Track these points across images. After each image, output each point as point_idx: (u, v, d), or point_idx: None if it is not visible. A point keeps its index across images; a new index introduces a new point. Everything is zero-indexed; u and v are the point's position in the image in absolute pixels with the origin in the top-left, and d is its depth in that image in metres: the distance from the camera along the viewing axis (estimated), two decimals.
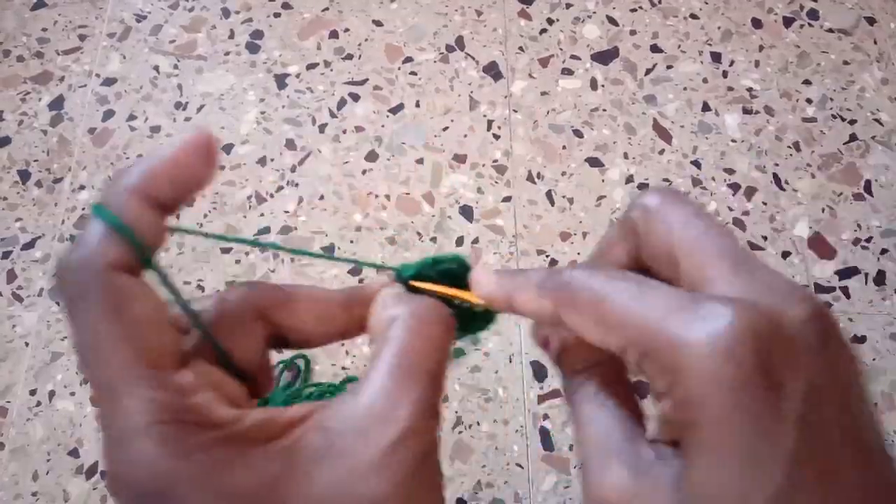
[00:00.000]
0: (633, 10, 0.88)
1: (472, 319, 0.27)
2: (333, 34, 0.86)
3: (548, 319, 0.22)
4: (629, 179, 0.77)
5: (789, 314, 0.17)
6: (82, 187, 0.77)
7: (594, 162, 0.78)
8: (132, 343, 0.18)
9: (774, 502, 0.16)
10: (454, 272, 0.26)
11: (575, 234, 0.75)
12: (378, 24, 0.87)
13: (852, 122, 0.81)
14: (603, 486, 0.20)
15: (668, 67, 0.84)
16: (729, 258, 0.20)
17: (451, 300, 0.25)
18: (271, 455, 0.18)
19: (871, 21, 0.87)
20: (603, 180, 0.77)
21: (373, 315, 0.24)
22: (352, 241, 0.74)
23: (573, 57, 0.85)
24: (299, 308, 0.23)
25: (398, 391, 0.20)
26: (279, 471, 0.18)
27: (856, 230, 0.75)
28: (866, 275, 0.73)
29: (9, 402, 0.67)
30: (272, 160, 0.79)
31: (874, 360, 0.69)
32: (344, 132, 0.80)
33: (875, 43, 0.85)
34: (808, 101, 0.82)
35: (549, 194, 0.77)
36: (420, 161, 0.78)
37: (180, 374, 0.19)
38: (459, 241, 0.74)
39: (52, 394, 0.68)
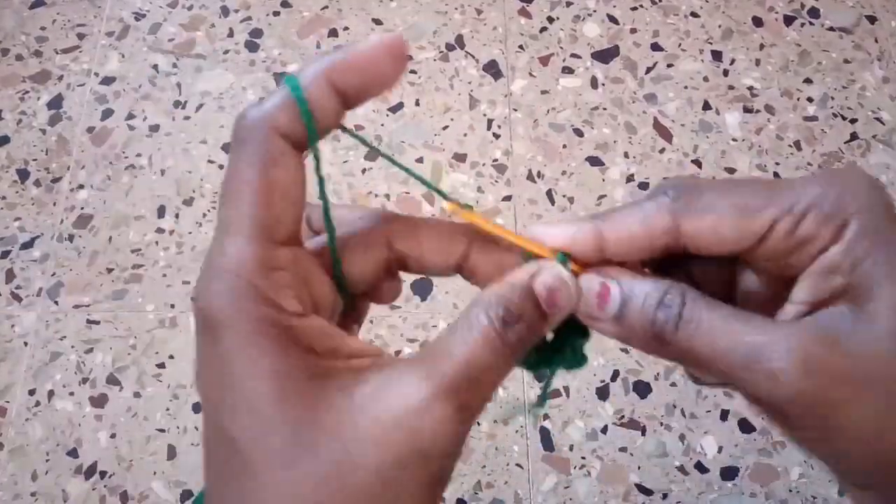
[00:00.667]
0: (634, 9, 0.87)
1: (565, 341, 0.24)
2: (333, 33, 0.86)
3: (646, 248, 0.23)
4: (630, 178, 0.77)
5: None
6: (81, 186, 0.77)
7: (595, 161, 0.78)
8: (259, 198, 0.20)
9: None
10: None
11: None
12: (377, 22, 0.87)
13: (853, 120, 0.80)
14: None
15: (669, 66, 0.84)
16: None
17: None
18: (313, 363, 0.20)
19: (871, 20, 0.87)
20: (603, 179, 0.77)
21: (504, 278, 0.23)
22: None
23: (573, 55, 0.84)
24: (422, 238, 0.24)
25: (444, 394, 0.20)
26: (310, 381, 0.20)
27: None
28: None
29: (7, 402, 0.67)
30: None
31: None
32: (343, 131, 0.80)
33: (876, 41, 0.85)
34: (809, 99, 0.82)
35: (549, 193, 0.76)
36: (420, 160, 0.78)
37: (280, 249, 0.20)
38: None
39: (50, 394, 0.68)
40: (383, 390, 0.20)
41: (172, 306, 0.71)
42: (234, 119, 0.21)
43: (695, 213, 0.22)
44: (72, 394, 0.68)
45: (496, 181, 0.77)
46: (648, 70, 0.83)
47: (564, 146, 0.79)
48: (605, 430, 0.66)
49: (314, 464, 0.19)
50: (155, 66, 0.84)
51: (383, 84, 0.22)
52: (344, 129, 0.23)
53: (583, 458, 0.65)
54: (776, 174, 0.77)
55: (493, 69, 0.83)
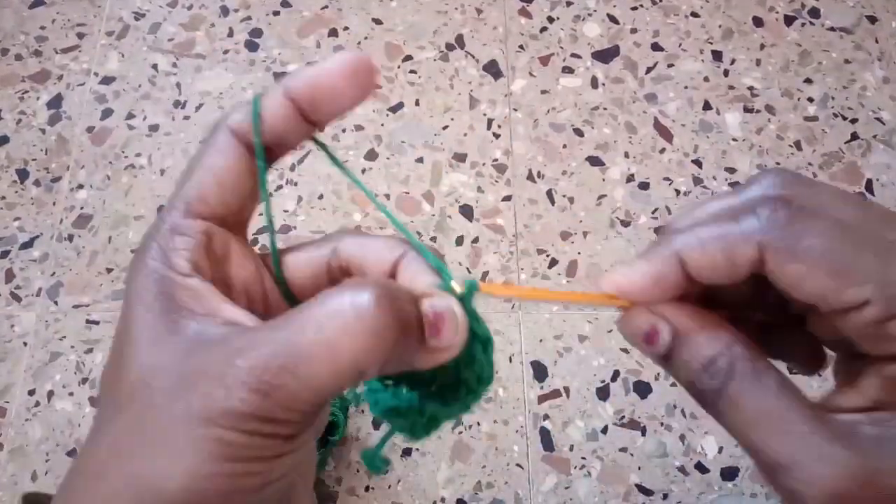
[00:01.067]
0: (634, 9, 0.87)
1: (469, 362, 0.22)
2: (333, 32, 0.86)
3: (728, 276, 0.21)
4: (630, 178, 0.77)
5: None
6: (80, 186, 0.77)
7: (595, 161, 0.78)
8: (192, 176, 0.23)
9: None
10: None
11: (575, 234, 0.74)
12: (378, 22, 0.87)
13: (853, 120, 0.80)
14: (817, 470, 0.19)
15: (669, 66, 0.84)
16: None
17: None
18: (175, 307, 0.21)
19: (872, 20, 0.86)
20: (604, 179, 0.77)
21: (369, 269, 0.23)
22: None
23: (574, 55, 0.84)
24: (366, 242, 0.24)
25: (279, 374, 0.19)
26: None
27: None
28: None
29: (7, 402, 0.67)
30: None
31: None
32: (343, 131, 0.80)
33: (876, 42, 0.85)
34: (810, 99, 0.82)
35: (549, 193, 0.76)
36: (420, 160, 0.78)
37: (193, 220, 0.22)
38: (459, 241, 0.74)
39: (50, 394, 0.67)
40: (214, 341, 0.20)
41: None
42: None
43: (784, 255, 0.20)
44: (71, 394, 0.67)
45: (496, 181, 0.77)
46: (649, 70, 0.83)
47: (565, 146, 0.79)
48: (605, 430, 0.66)
49: (132, 406, 0.20)
50: (155, 66, 0.84)
51: (345, 105, 0.22)
52: (315, 142, 0.24)
53: (583, 458, 0.65)
54: None
55: (493, 69, 0.83)
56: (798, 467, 0.19)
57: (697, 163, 0.78)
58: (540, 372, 0.68)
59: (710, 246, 0.21)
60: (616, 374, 0.68)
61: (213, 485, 0.18)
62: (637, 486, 0.64)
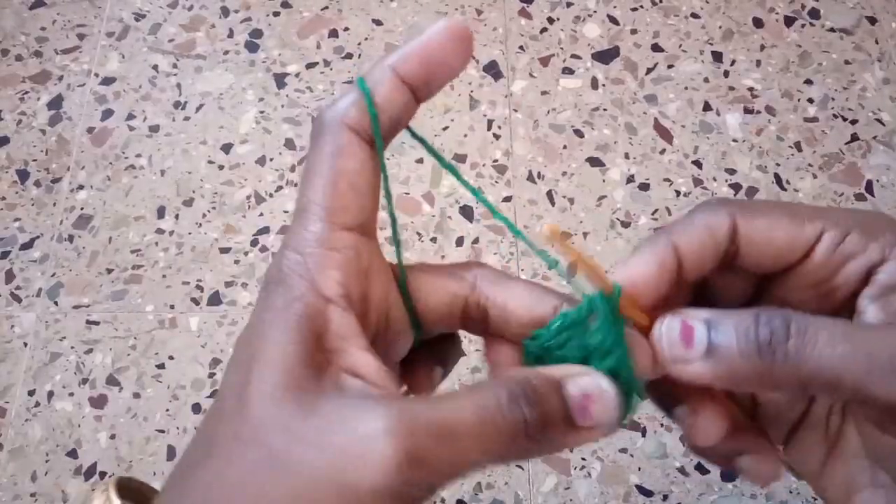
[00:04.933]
0: (634, 10, 0.87)
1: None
2: (333, 33, 0.86)
3: (713, 253, 0.22)
4: (630, 179, 0.77)
5: None
6: (81, 187, 0.77)
7: (595, 162, 0.78)
8: (327, 184, 0.21)
9: None
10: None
11: (575, 235, 0.74)
12: (378, 23, 0.87)
13: (854, 122, 0.80)
14: None
15: (669, 67, 0.84)
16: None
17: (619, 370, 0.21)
18: (312, 350, 0.20)
19: (872, 21, 0.86)
20: (604, 180, 0.77)
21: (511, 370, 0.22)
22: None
23: (574, 56, 0.84)
24: (511, 287, 0.24)
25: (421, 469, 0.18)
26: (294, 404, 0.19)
27: None
28: None
29: (7, 402, 0.67)
30: (272, 160, 0.79)
31: None
32: None
33: (876, 42, 0.85)
34: (810, 100, 0.82)
35: (549, 194, 0.76)
36: (420, 161, 0.78)
37: (341, 232, 0.21)
38: (459, 242, 0.74)
39: (50, 394, 0.67)
40: (346, 411, 0.19)
41: (172, 307, 0.71)
42: (314, 118, 0.22)
43: (750, 214, 0.22)
44: (71, 394, 0.67)
45: (496, 182, 0.77)
46: (649, 71, 0.83)
47: (565, 147, 0.79)
48: None
49: (241, 461, 0.18)
50: (155, 67, 0.84)
51: (450, 72, 0.22)
52: (410, 132, 0.24)
53: (583, 458, 0.65)
54: (777, 175, 0.77)
55: (493, 70, 0.83)
56: None
57: (697, 164, 0.78)
58: None
59: (695, 226, 0.22)
60: None
61: None
62: (637, 486, 0.64)
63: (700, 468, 0.64)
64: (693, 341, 0.21)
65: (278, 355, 0.19)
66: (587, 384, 0.20)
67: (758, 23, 0.86)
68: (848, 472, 0.23)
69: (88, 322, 0.71)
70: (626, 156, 0.78)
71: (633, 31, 0.86)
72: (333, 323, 0.20)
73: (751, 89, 0.82)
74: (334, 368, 0.20)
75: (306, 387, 0.19)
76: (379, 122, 0.21)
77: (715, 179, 0.77)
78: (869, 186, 0.77)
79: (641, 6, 0.87)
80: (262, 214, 0.76)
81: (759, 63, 0.84)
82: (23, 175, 0.78)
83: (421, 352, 0.25)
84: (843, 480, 0.23)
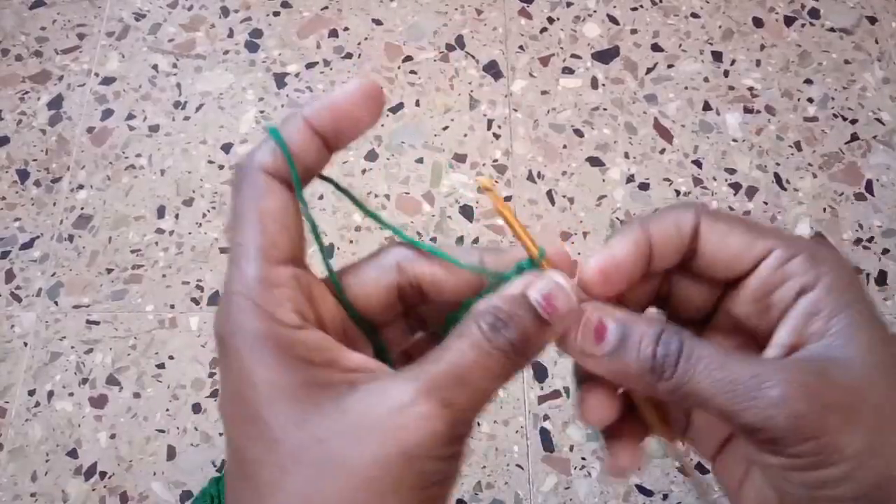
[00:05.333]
0: (634, 9, 0.87)
1: None
2: (333, 33, 0.86)
3: (677, 244, 0.24)
4: (630, 179, 0.77)
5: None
6: (81, 187, 0.77)
7: (595, 161, 0.78)
8: (255, 225, 0.22)
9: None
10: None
11: (575, 234, 0.74)
12: (378, 22, 0.87)
13: (853, 121, 0.80)
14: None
15: (669, 66, 0.84)
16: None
17: None
18: (308, 373, 0.21)
19: (872, 20, 0.86)
20: (604, 180, 0.77)
21: (506, 291, 0.24)
22: (351, 242, 0.74)
23: (574, 56, 0.84)
24: (433, 261, 0.25)
25: (436, 402, 0.21)
26: (300, 391, 0.21)
27: (857, 230, 0.75)
28: (868, 275, 0.72)
29: (7, 402, 0.67)
30: None
31: None
32: None
33: (876, 42, 0.85)
34: (810, 100, 0.82)
35: (549, 194, 0.76)
36: (420, 160, 0.78)
37: (279, 268, 0.22)
38: (459, 241, 0.74)
39: (50, 394, 0.67)
40: (371, 395, 0.21)
41: (172, 307, 0.71)
42: (233, 169, 0.23)
43: (713, 219, 0.24)
44: (71, 394, 0.67)
45: (496, 181, 0.77)
46: (649, 70, 0.83)
47: (565, 146, 0.79)
48: None
49: (300, 471, 0.20)
50: (155, 67, 0.84)
51: (359, 126, 0.24)
52: (322, 178, 0.25)
53: (583, 458, 0.65)
54: (777, 175, 0.77)
55: (493, 69, 0.83)
56: (768, 377, 0.21)
57: (697, 163, 0.78)
58: (540, 372, 0.68)
59: (665, 219, 0.24)
60: None
61: None
62: (637, 486, 0.64)
63: (700, 468, 0.65)
64: (603, 341, 0.23)
65: (278, 392, 0.20)
66: (544, 285, 0.23)
67: (758, 22, 0.86)
68: (759, 492, 0.24)
69: (88, 322, 0.71)
70: (626, 155, 0.78)
71: (633, 31, 0.86)
72: (310, 343, 0.21)
73: (751, 89, 0.82)
74: (336, 375, 0.21)
75: (320, 400, 0.21)
76: (294, 164, 0.23)
77: (715, 179, 0.77)
78: (869, 186, 0.77)
79: (641, 6, 0.87)
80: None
81: (758, 63, 0.84)
82: (23, 175, 0.78)
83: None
84: (755, 498, 0.25)
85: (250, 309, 0.21)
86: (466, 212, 0.75)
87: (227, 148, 0.79)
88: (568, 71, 0.83)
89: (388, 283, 0.25)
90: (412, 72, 0.83)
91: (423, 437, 0.20)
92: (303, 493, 0.20)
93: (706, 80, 0.83)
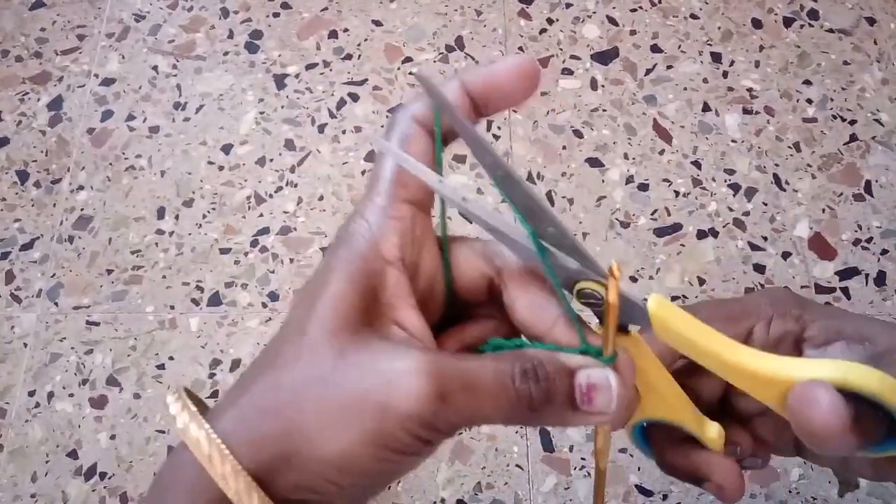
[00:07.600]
0: (634, 10, 0.87)
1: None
2: (333, 34, 0.86)
3: None
4: (629, 180, 0.77)
5: None
6: (81, 188, 0.77)
7: (594, 162, 0.78)
8: (395, 165, 0.25)
9: None
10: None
11: (575, 235, 0.74)
12: (377, 23, 0.87)
13: (852, 122, 0.80)
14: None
15: (669, 67, 0.84)
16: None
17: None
18: (368, 304, 0.23)
19: (871, 21, 0.87)
20: (603, 181, 0.77)
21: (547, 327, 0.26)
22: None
23: (573, 57, 0.84)
24: (525, 289, 0.26)
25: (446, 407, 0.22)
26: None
27: (856, 231, 0.75)
28: (867, 275, 0.73)
29: (7, 403, 0.67)
30: (271, 160, 0.79)
31: None
32: (343, 132, 0.80)
33: (875, 43, 0.85)
34: (809, 101, 0.82)
35: (548, 195, 0.76)
36: None
37: (402, 204, 0.25)
38: None
39: (50, 395, 0.68)
40: (389, 355, 0.22)
41: (172, 307, 0.71)
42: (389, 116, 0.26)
43: (695, 312, 0.26)
44: (71, 395, 0.68)
45: None
46: (648, 71, 0.83)
47: (564, 147, 0.79)
48: None
49: (297, 374, 0.22)
50: (155, 68, 0.84)
51: (510, 102, 0.26)
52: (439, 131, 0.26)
53: (583, 458, 0.65)
54: (776, 175, 0.77)
55: None
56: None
57: (696, 164, 0.78)
58: None
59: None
60: None
61: (362, 462, 0.21)
62: (637, 486, 0.64)
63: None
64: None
65: (338, 298, 0.23)
66: (597, 376, 0.23)
67: (756, 23, 0.87)
68: None
69: (88, 323, 0.71)
70: (626, 156, 0.78)
71: (633, 32, 0.86)
72: (389, 282, 0.24)
73: (750, 90, 0.82)
74: (385, 319, 0.24)
75: (358, 327, 0.23)
76: (440, 119, 0.25)
77: (714, 180, 0.77)
78: (868, 187, 0.77)
79: (640, 7, 0.88)
80: (261, 215, 0.76)
81: (757, 64, 0.84)
82: (23, 176, 0.78)
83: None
84: None
85: (363, 231, 0.24)
86: None
87: (227, 149, 0.79)
88: (567, 72, 0.83)
89: (484, 274, 0.27)
90: (412, 73, 0.83)
91: (406, 405, 0.21)
92: (292, 387, 0.22)
93: (705, 80, 0.83)
